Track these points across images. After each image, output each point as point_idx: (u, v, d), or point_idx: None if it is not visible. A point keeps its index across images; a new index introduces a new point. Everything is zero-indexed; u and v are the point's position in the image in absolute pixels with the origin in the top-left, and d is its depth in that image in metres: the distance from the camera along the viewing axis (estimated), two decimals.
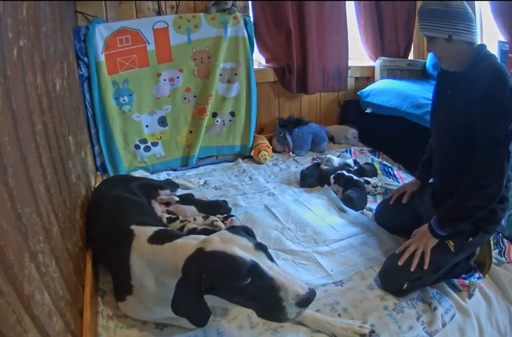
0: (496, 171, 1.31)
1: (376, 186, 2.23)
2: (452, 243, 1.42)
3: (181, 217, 1.79)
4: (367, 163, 2.53)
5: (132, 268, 1.23)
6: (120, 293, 1.29)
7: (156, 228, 1.34)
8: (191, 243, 1.13)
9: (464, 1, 1.37)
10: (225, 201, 2.03)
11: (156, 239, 1.25)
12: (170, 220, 1.75)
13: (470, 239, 1.42)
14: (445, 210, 1.42)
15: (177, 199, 1.92)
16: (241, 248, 1.04)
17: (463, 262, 1.53)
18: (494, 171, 1.31)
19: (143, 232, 1.30)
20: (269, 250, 1.65)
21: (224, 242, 1.06)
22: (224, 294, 1.04)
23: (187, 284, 1.01)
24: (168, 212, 1.83)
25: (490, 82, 1.30)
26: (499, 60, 1.41)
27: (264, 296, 1.00)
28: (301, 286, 1.00)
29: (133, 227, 1.34)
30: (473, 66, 1.38)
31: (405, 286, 1.42)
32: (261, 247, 1.08)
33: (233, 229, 1.16)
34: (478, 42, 1.42)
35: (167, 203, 1.93)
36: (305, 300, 1.00)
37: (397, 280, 1.44)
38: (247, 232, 1.17)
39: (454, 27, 1.35)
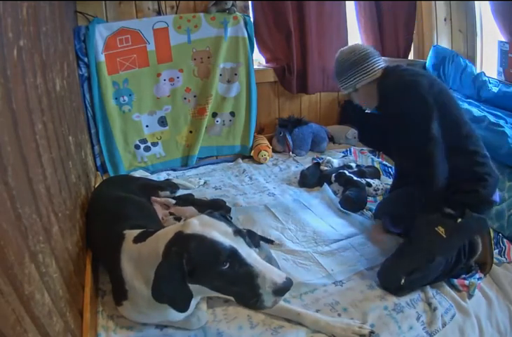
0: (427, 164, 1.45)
1: (378, 189, 2.22)
2: (443, 229, 1.42)
3: (183, 218, 1.79)
4: (369, 167, 2.52)
5: (124, 271, 1.23)
6: (117, 298, 1.29)
7: (145, 229, 1.32)
8: (171, 229, 1.12)
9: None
10: (224, 201, 2.04)
11: (140, 238, 1.25)
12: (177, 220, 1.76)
13: (459, 220, 1.42)
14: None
15: (174, 201, 1.91)
16: (220, 233, 1.04)
17: (464, 262, 1.52)
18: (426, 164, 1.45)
19: (132, 235, 1.30)
20: (270, 250, 1.68)
21: (203, 226, 1.06)
22: (203, 279, 1.04)
23: (168, 267, 1.00)
24: (170, 214, 1.84)
25: (395, 98, 1.49)
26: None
27: (241, 283, 1.01)
28: (278, 274, 1.01)
29: (126, 231, 1.33)
30: (382, 85, 1.57)
31: (403, 281, 1.42)
32: (240, 233, 1.07)
33: (211, 213, 1.15)
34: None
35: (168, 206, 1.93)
36: (282, 289, 1.00)
37: (393, 273, 1.45)
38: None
39: (372, 64, 1.58)
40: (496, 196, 1.53)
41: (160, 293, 1.02)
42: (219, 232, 1.05)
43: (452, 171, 1.46)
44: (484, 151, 1.52)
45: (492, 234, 1.62)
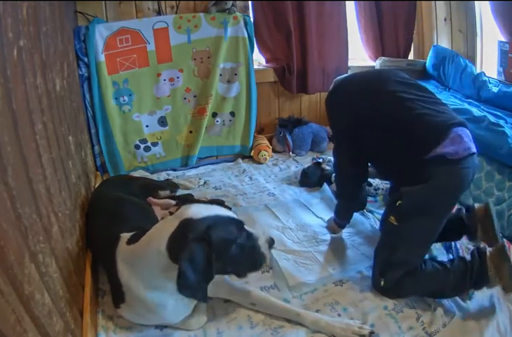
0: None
1: (378, 189, 2.22)
2: (393, 217, 1.38)
3: None
4: (370, 166, 2.51)
5: (120, 274, 1.22)
6: (115, 301, 1.28)
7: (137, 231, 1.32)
8: (166, 224, 1.13)
9: None
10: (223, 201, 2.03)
11: (132, 240, 1.25)
12: None
13: (399, 203, 1.35)
14: None
15: (174, 202, 1.90)
16: (224, 211, 1.15)
17: (469, 282, 1.35)
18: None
19: (126, 237, 1.29)
20: (271, 250, 1.69)
21: (209, 209, 1.13)
22: (222, 261, 1.09)
23: (195, 254, 1.02)
24: (171, 214, 1.82)
25: None
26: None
27: (248, 249, 1.15)
28: (263, 233, 1.22)
29: (122, 234, 1.32)
30: None
31: (382, 283, 1.42)
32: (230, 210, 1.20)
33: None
34: None
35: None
36: (272, 242, 1.21)
37: (374, 275, 1.46)
38: None
39: None
40: (452, 146, 1.29)
41: (187, 285, 1.03)
42: (222, 210, 1.14)
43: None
44: (425, 110, 1.36)
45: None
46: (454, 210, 1.56)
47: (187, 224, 1.08)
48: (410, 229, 1.36)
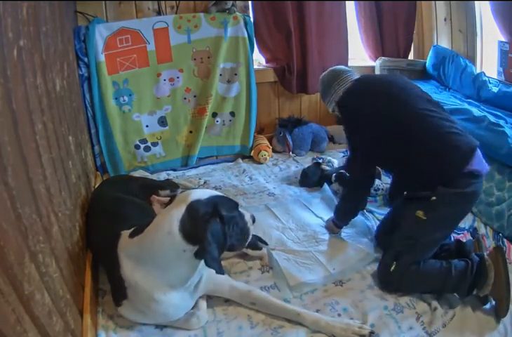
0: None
1: (378, 189, 2.22)
2: (421, 212, 1.44)
3: None
4: None
5: (123, 269, 1.22)
6: (117, 298, 1.28)
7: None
8: (169, 212, 1.17)
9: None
10: None
11: (135, 233, 1.26)
12: None
13: (433, 198, 1.42)
14: None
15: None
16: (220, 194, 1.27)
17: (470, 278, 1.38)
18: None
19: (127, 233, 1.30)
20: (272, 250, 1.69)
21: (207, 192, 1.23)
22: (227, 235, 1.18)
23: (215, 229, 1.11)
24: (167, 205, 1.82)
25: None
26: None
27: (239, 225, 1.24)
28: (245, 210, 1.34)
29: (123, 231, 1.33)
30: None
31: (393, 267, 1.44)
32: None
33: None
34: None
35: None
36: (254, 219, 1.34)
37: (383, 264, 1.50)
38: None
39: (339, 82, 1.70)
40: (477, 165, 1.43)
41: (213, 258, 1.10)
42: (216, 192, 1.26)
43: (423, 165, 1.47)
44: (452, 129, 1.47)
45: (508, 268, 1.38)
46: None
47: (198, 205, 1.15)
48: (436, 220, 1.45)
